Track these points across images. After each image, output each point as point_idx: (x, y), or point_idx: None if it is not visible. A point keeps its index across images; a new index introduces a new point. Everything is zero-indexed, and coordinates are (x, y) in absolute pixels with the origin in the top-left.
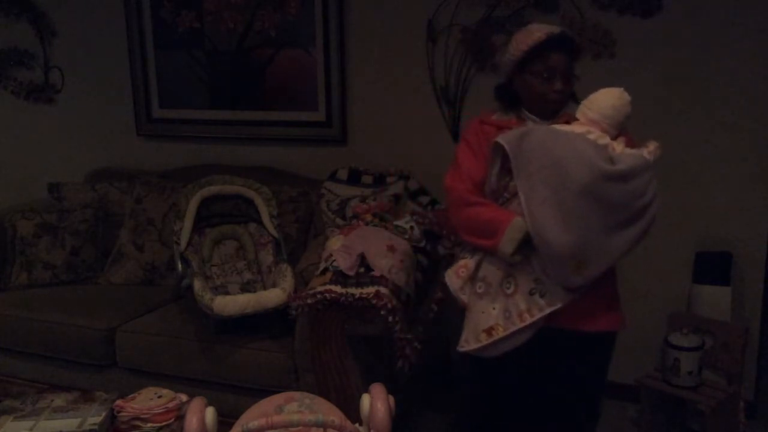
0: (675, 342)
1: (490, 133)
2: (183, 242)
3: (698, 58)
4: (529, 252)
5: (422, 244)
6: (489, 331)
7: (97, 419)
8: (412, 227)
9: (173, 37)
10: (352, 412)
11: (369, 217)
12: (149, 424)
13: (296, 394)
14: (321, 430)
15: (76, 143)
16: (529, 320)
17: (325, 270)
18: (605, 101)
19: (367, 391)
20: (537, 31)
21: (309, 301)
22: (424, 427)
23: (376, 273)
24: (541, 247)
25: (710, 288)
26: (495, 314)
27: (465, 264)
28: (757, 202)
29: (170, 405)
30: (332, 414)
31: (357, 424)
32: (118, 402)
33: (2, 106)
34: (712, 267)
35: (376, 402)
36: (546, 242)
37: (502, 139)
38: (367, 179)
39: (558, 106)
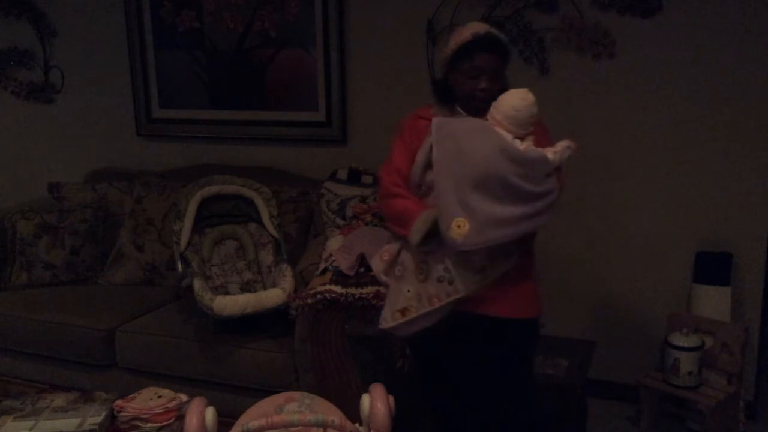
0: (675, 342)
1: (424, 127)
2: (183, 242)
3: (698, 58)
4: (438, 242)
5: None
6: (403, 311)
7: (97, 419)
8: None
9: (173, 37)
10: (352, 412)
11: (369, 217)
12: (149, 424)
13: (296, 394)
14: (321, 430)
15: (76, 143)
16: (437, 304)
17: (325, 270)
18: (507, 103)
19: (367, 391)
20: (465, 31)
21: (309, 301)
22: (424, 427)
23: None
24: (437, 202)
25: (710, 288)
26: (409, 296)
27: (388, 249)
28: (757, 202)
29: (170, 405)
30: (332, 414)
31: (357, 424)
32: (118, 402)
33: (2, 106)
34: (712, 267)
35: (376, 402)
36: (440, 196)
37: (435, 118)
38: (367, 179)
39: (485, 104)
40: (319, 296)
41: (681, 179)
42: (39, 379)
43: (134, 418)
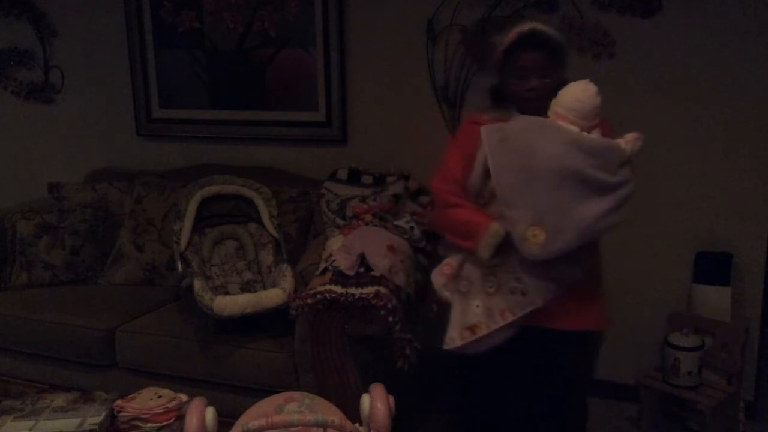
0: (675, 342)
1: (478, 132)
2: (183, 242)
3: (698, 58)
4: (508, 253)
5: (422, 244)
6: (472, 328)
7: (97, 419)
8: (412, 227)
9: (173, 37)
10: (352, 412)
11: (369, 217)
12: (149, 424)
13: (296, 394)
14: (321, 430)
15: (76, 143)
16: (510, 318)
17: (325, 270)
18: (569, 95)
19: (367, 391)
20: (513, 31)
21: (309, 301)
22: (424, 427)
23: (376, 273)
24: (505, 211)
25: (710, 288)
26: (478, 312)
27: (449, 263)
28: (757, 202)
29: (170, 405)
30: (332, 414)
31: (357, 424)
32: (118, 402)
33: (2, 106)
34: (712, 267)
35: (376, 402)
36: (508, 205)
37: (483, 126)
38: (367, 179)
39: (535, 104)
40: (319, 296)
41: (681, 179)
42: (39, 379)
43: (134, 418)
